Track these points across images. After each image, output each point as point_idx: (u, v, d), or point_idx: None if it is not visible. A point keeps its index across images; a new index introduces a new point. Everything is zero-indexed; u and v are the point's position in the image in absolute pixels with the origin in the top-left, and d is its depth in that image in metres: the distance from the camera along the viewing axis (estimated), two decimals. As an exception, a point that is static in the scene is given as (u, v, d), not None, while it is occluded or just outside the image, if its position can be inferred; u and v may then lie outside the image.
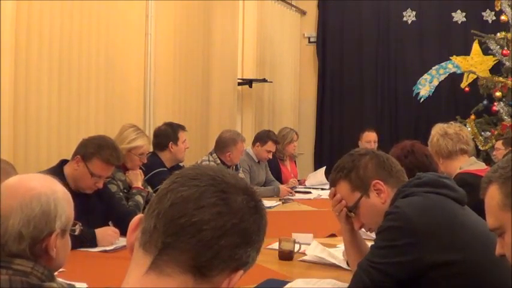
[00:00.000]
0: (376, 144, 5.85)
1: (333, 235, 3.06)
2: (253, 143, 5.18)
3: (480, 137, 5.98)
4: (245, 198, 0.94)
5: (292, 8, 7.63)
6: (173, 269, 0.88)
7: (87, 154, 2.78)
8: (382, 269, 1.73)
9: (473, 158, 3.25)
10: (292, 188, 5.08)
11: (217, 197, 0.91)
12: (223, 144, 4.51)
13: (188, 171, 0.95)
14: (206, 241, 0.88)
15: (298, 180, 5.54)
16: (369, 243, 2.12)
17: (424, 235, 1.69)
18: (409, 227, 1.70)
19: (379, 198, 1.95)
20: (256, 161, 5.15)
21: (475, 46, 6.47)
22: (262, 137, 5.15)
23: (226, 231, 0.90)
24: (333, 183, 2.07)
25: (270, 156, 5.15)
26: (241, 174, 4.67)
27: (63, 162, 2.88)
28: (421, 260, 1.67)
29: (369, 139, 5.89)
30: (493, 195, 1.26)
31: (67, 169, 2.82)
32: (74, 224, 1.32)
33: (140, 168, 3.47)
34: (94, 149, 2.79)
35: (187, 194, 0.90)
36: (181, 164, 4.01)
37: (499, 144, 5.13)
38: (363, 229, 2.08)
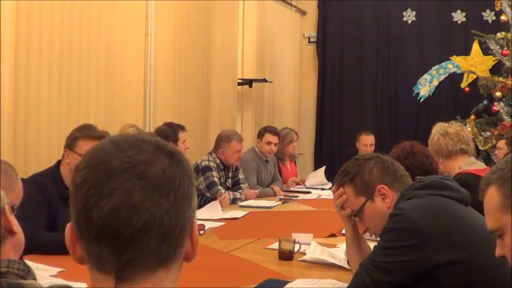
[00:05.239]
0: (373, 148, 5.93)
1: (333, 235, 3.06)
2: (256, 142, 5.20)
3: (480, 137, 5.99)
4: (160, 164, 0.82)
5: (292, 8, 7.63)
6: (141, 277, 0.81)
7: (71, 141, 2.78)
8: (385, 267, 1.74)
9: (472, 158, 3.25)
10: (288, 191, 5.09)
11: (142, 187, 0.79)
12: (218, 141, 4.52)
13: (91, 182, 0.81)
14: (161, 236, 0.80)
15: (299, 180, 5.53)
16: (370, 243, 2.13)
17: (429, 236, 1.69)
18: (413, 228, 1.71)
19: (384, 203, 1.95)
20: (264, 159, 5.16)
21: (475, 46, 6.48)
22: (260, 132, 5.19)
23: (169, 214, 0.81)
24: (337, 187, 2.07)
25: (273, 148, 5.12)
26: (241, 175, 4.67)
27: (60, 162, 2.88)
28: (426, 260, 1.68)
29: (366, 142, 5.99)
30: (492, 197, 1.26)
31: (62, 169, 2.80)
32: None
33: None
34: (75, 133, 2.80)
35: (113, 204, 0.79)
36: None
37: (501, 143, 5.13)
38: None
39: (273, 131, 5.17)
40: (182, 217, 0.83)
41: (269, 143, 5.09)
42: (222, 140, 4.48)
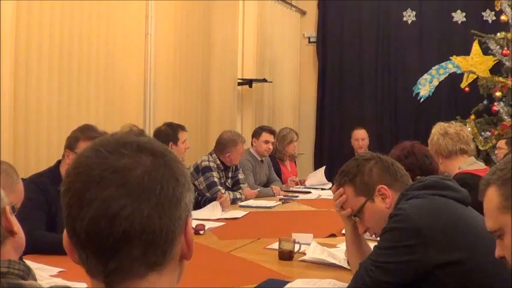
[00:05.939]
0: (365, 141, 6.17)
1: (333, 235, 3.06)
2: (251, 142, 5.20)
3: (480, 137, 5.98)
4: (140, 169, 0.80)
5: (292, 8, 7.63)
6: (130, 282, 0.80)
7: (72, 142, 2.78)
8: (385, 267, 1.74)
9: (472, 158, 3.25)
10: (288, 191, 5.09)
11: (121, 195, 0.78)
12: (223, 145, 4.51)
13: (72, 191, 0.80)
14: (145, 242, 0.79)
15: (299, 180, 5.53)
16: (370, 243, 2.13)
17: (428, 236, 1.69)
18: (413, 228, 1.71)
19: (384, 203, 1.96)
20: (260, 159, 5.16)
21: (475, 46, 6.47)
22: (256, 132, 5.22)
23: (151, 219, 0.79)
24: (337, 187, 2.07)
25: (270, 147, 5.14)
26: (240, 175, 4.67)
27: (61, 162, 2.88)
28: (426, 260, 1.68)
29: (357, 137, 6.23)
30: (491, 198, 1.26)
31: (63, 169, 2.80)
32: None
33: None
34: (76, 134, 2.80)
35: (93, 214, 0.78)
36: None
37: (501, 143, 5.12)
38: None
39: (270, 130, 5.19)
40: (168, 220, 0.80)
41: (266, 141, 5.10)
42: (229, 144, 4.47)
